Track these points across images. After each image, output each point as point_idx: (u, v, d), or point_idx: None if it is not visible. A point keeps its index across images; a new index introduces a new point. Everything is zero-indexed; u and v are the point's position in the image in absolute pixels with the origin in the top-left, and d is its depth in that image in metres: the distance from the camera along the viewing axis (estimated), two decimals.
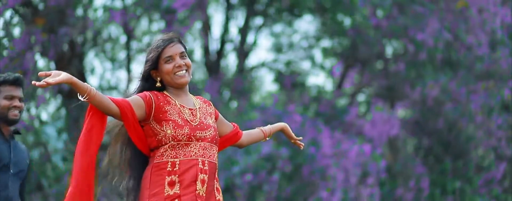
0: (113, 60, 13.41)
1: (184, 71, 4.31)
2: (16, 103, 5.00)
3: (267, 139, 4.71)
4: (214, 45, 13.68)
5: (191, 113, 4.32)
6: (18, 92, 5.04)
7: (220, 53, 13.62)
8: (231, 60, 14.35)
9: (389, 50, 13.93)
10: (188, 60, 4.35)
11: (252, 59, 21.53)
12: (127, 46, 12.95)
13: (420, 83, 12.19)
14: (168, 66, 4.29)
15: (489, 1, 12.06)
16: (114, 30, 13.16)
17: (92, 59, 13.07)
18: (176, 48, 4.33)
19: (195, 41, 12.71)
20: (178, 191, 4.15)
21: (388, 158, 12.53)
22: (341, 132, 11.91)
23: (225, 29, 13.57)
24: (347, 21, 13.18)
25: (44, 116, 12.43)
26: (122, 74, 13.63)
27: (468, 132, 12.28)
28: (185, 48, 4.40)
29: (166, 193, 4.14)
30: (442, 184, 12.41)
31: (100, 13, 11.93)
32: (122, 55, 13.55)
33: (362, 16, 12.48)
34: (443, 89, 12.08)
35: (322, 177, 11.26)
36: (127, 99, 4.20)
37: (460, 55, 12.07)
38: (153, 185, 4.18)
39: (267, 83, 16.60)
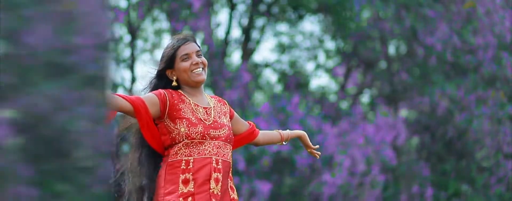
0: (117, 60, 13.41)
1: (201, 69, 4.33)
2: None
3: (283, 143, 4.72)
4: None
5: (206, 111, 4.33)
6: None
7: (224, 52, 13.61)
8: (235, 60, 14.34)
9: (392, 50, 13.90)
10: (204, 58, 4.37)
11: (256, 59, 21.53)
12: (131, 45, 12.95)
13: (428, 90, 12.17)
14: (185, 64, 4.31)
15: (495, 4, 12.02)
16: (118, 29, 13.16)
17: None
18: (192, 47, 4.35)
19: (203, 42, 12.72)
20: (192, 189, 4.16)
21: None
22: (346, 124, 11.92)
23: (229, 29, 13.56)
24: (351, 24, 13.14)
25: None
26: (126, 74, 13.63)
27: (475, 136, 12.25)
28: (200, 47, 4.42)
29: (180, 191, 4.16)
30: (445, 186, 12.39)
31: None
32: (126, 54, 13.55)
33: (364, 20, 12.47)
34: (451, 98, 12.05)
35: (328, 164, 11.28)
36: (141, 97, 4.21)
37: (467, 59, 12.04)
38: (167, 183, 4.19)
39: (271, 84, 16.57)
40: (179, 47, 4.33)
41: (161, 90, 4.26)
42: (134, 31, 12.80)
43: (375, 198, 11.60)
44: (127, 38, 13.32)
